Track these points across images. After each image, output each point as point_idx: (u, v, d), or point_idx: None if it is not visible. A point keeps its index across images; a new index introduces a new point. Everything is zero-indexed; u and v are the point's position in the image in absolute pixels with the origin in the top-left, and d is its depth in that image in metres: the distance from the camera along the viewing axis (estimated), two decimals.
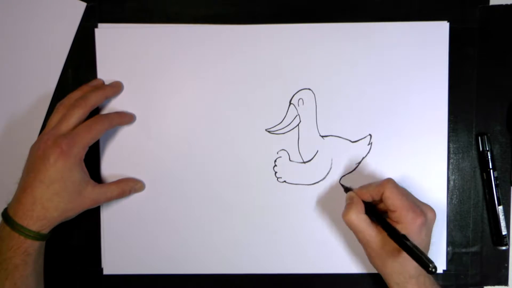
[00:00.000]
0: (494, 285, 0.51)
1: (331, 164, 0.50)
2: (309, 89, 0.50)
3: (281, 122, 0.50)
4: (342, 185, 0.50)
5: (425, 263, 0.38)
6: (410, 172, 0.50)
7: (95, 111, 0.49)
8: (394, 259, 0.43)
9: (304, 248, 0.51)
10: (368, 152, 0.50)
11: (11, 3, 0.50)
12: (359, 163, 0.50)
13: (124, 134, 0.51)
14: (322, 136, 0.50)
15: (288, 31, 0.50)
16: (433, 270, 0.38)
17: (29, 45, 0.51)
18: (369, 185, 0.46)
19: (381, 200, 0.45)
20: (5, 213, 0.44)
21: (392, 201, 0.43)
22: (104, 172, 0.51)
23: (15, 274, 0.43)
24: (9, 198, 0.45)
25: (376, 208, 0.46)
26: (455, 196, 0.51)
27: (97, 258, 0.51)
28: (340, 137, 0.50)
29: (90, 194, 0.46)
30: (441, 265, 0.51)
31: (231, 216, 0.51)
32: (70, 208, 0.45)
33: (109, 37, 0.50)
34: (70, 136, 0.44)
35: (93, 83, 0.50)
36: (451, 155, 0.51)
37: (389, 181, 0.44)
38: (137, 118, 0.51)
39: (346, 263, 0.51)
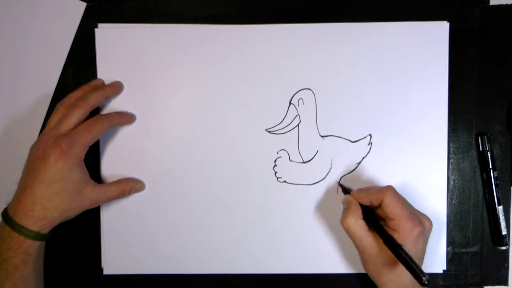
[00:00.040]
0: (494, 285, 0.51)
1: (331, 164, 0.50)
2: (309, 89, 0.50)
3: (281, 122, 0.50)
4: (341, 185, 0.50)
5: (418, 275, 0.38)
6: (410, 172, 0.50)
7: (95, 111, 0.49)
8: (390, 269, 0.43)
9: (304, 248, 0.51)
10: (368, 152, 0.50)
11: (11, 3, 0.50)
12: (359, 163, 0.50)
13: (124, 134, 0.51)
14: (322, 136, 0.50)
15: (288, 31, 0.50)
16: (426, 282, 0.38)
17: (29, 45, 0.51)
18: (369, 189, 0.46)
19: (379, 206, 0.45)
20: (5, 213, 0.44)
21: (392, 208, 0.43)
22: (104, 172, 0.51)
23: (15, 274, 0.43)
24: (9, 198, 0.45)
25: (374, 214, 0.46)
26: (455, 196, 0.51)
27: (97, 258, 0.51)
28: (340, 137, 0.50)
29: (90, 194, 0.46)
30: (441, 265, 0.51)
31: (231, 216, 0.51)
32: (70, 208, 0.45)
33: (109, 37, 0.50)
34: (70, 136, 0.44)
35: (93, 83, 0.50)
36: (451, 155, 0.51)
37: (390, 188, 0.44)
38: (137, 118, 0.51)
39: (346, 263, 0.51)
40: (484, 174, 0.50)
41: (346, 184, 0.50)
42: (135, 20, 0.51)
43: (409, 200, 0.48)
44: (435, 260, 0.51)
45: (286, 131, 0.51)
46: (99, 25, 0.50)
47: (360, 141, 0.50)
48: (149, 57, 0.50)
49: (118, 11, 0.51)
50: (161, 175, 0.51)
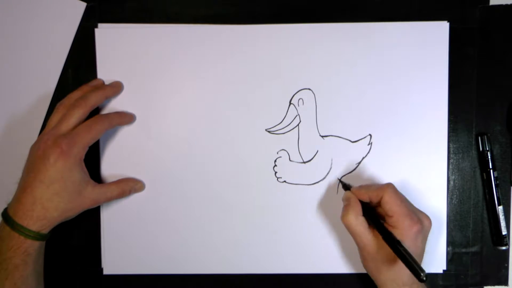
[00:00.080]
0: (494, 285, 0.51)
1: (331, 164, 0.50)
2: (309, 89, 0.50)
3: (281, 122, 0.50)
4: (341, 182, 0.50)
5: (416, 271, 0.38)
6: (410, 172, 0.50)
7: (95, 111, 0.49)
8: (389, 266, 0.43)
9: (304, 248, 0.51)
10: (368, 152, 0.50)
11: (11, 3, 0.50)
12: (359, 163, 0.50)
13: (124, 134, 0.51)
14: (322, 136, 0.50)
15: (288, 31, 0.50)
16: (424, 278, 0.38)
17: (29, 45, 0.51)
18: (369, 186, 0.46)
19: (378, 204, 0.45)
20: (5, 213, 0.44)
21: (391, 206, 0.43)
22: (104, 172, 0.51)
23: (15, 274, 0.43)
24: (9, 198, 0.45)
25: (373, 210, 0.46)
26: (455, 196, 0.51)
27: (97, 258, 0.51)
28: (340, 137, 0.50)
29: (90, 194, 0.46)
30: (441, 265, 0.51)
31: (231, 216, 0.51)
32: (70, 208, 0.45)
33: (109, 37, 0.50)
34: (70, 136, 0.44)
35: (93, 83, 0.50)
36: (451, 155, 0.51)
37: (389, 185, 0.44)
38: (137, 118, 0.51)
39: (346, 263, 0.51)
40: (484, 174, 0.50)
41: (346, 182, 0.50)
42: (135, 20, 0.51)
43: (409, 200, 0.48)
44: (435, 260, 0.51)
45: (286, 131, 0.51)
46: (99, 25, 0.50)
47: (360, 141, 0.50)
48: (149, 57, 0.50)
49: (118, 11, 0.51)
50: (161, 175, 0.51)
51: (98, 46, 0.50)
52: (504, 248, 0.50)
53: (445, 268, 0.51)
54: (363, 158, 0.50)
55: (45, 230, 0.44)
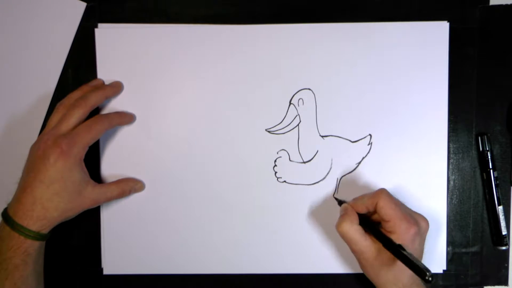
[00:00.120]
0: (494, 285, 0.51)
1: (331, 164, 0.50)
2: (309, 89, 0.50)
3: (281, 122, 0.50)
4: (336, 199, 0.50)
5: (422, 271, 0.38)
6: (410, 172, 0.50)
7: (95, 111, 0.49)
8: (388, 269, 0.43)
9: (304, 248, 0.51)
10: (368, 152, 0.50)
11: (11, 3, 0.50)
12: (359, 163, 0.50)
13: (124, 134, 0.51)
14: (322, 136, 0.50)
15: (288, 31, 0.50)
16: (430, 278, 0.38)
17: (29, 45, 0.51)
18: (363, 196, 0.46)
19: (375, 211, 0.45)
20: (5, 213, 0.44)
21: (386, 210, 0.43)
22: (104, 172, 0.51)
23: (15, 274, 0.43)
24: (9, 198, 0.45)
25: (370, 219, 0.46)
26: (455, 196, 0.51)
27: (97, 258, 0.51)
28: (340, 137, 0.50)
29: (90, 194, 0.46)
30: (441, 265, 0.51)
31: (231, 216, 0.51)
32: (70, 208, 0.45)
33: (109, 37, 0.50)
34: (70, 136, 0.44)
35: (93, 83, 0.50)
36: (451, 155, 0.51)
37: (382, 191, 0.44)
38: (137, 118, 0.51)
39: (346, 263, 0.51)
40: (484, 174, 0.50)
41: (346, 184, 0.50)
42: (135, 20, 0.51)
43: (409, 200, 0.48)
44: (435, 260, 0.51)
45: (286, 131, 0.51)
46: (99, 25, 0.50)
47: (360, 141, 0.50)
48: (149, 57, 0.50)
49: (118, 11, 0.51)
50: (161, 175, 0.51)
51: (98, 46, 0.50)
52: (504, 248, 0.50)
53: (445, 268, 0.51)
54: (363, 158, 0.50)
55: (45, 230, 0.44)
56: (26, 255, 0.43)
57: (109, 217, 0.51)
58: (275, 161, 0.51)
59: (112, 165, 0.51)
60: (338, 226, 0.44)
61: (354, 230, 0.44)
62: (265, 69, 0.50)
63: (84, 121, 0.46)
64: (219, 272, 0.51)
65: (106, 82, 0.50)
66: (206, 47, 0.50)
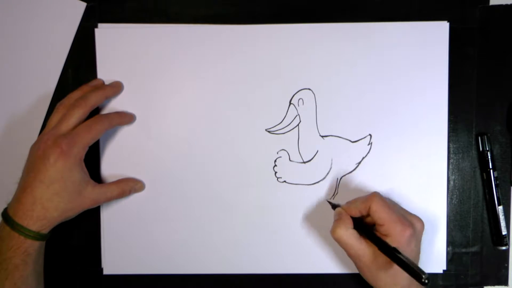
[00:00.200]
0: (494, 285, 0.51)
1: (331, 164, 0.50)
2: (309, 89, 0.50)
3: (281, 122, 0.50)
4: (330, 203, 0.50)
5: (418, 274, 0.38)
6: (410, 172, 0.50)
7: (95, 111, 0.49)
8: (385, 272, 0.43)
9: (304, 248, 0.51)
10: (368, 152, 0.50)
11: (11, 3, 0.50)
12: (359, 163, 0.50)
13: (124, 134, 0.51)
14: (322, 136, 0.50)
15: (288, 31, 0.50)
16: (426, 281, 0.38)
17: (29, 45, 0.51)
18: (356, 200, 0.45)
19: (368, 215, 0.45)
20: (5, 213, 0.44)
21: (379, 214, 0.43)
22: (104, 172, 0.51)
23: (15, 274, 0.43)
24: (9, 198, 0.45)
25: (365, 223, 0.46)
26: (455, 196, 0.51)
27: (97, 258, 0.51)
28: (340, 137, 0.50)
29: (90, 194, 0.46)
30: (441, 265, 0.51)
31: (231, 216, 0.51)
32: (70, 208, 0.45)
33: (109, 37, 0.50)
34: (70, 136, 0.44)
35: (93, 83, 0.50)
36: (451, 155, 0.51)
37: (375, 194, 0.44)
38: (137, 118, 0.51)
39: (346, 263, 0.51)
40: (484, 174, 0.50)
41: (346, 184, 0.50)
42: (135, 20, 0.51)
43: (408, 200, 0.48)
44: (435, 260, 0.51)
45: (286, 131, 0.51)
46: (99, 25, 0.50)
47: (360, 141, 0.50)
48: (149, 57, 0.50)
49: (118, 11, 0.51)
50: (161, 175, 0.51)
51: (98, 46, 0.50)
52: (504, 248, 0.50)
53: (445, 268, 0.51)
54: (363, 158, 0.50)
55: (45, 230, 0.44)
56: (26, 255, 0.43)
57: (109, 217, 0.51)
58: (275, 161, 0.51)
59: (112, 165, 0.51)
60: (332, 231, 0.44)
61: (349, 234, 0.43)
62: (265, 69, 0.50)
63: (84, 121, 0.46)
64: (219, 272, 0.51)
65: (106, 82, 0.50)
66: (206, 47, 0.50)
